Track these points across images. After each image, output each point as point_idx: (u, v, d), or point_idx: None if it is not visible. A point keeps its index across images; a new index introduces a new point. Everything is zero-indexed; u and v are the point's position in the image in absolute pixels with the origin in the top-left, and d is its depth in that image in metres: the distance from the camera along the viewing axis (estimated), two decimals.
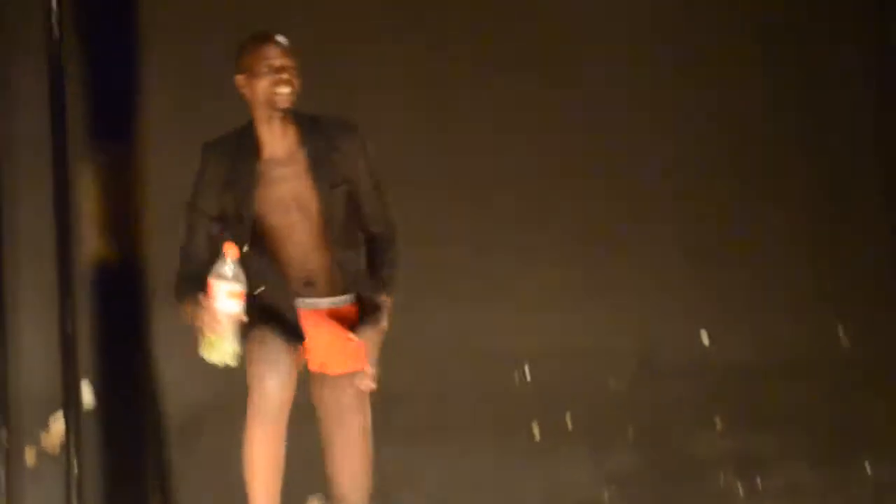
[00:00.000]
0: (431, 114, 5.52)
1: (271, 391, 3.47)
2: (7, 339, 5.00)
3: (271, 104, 3.61)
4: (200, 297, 3.42)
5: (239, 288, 3.38)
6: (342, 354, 3.66)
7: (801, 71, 6.06)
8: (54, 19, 4.99)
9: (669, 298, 5.75)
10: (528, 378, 5.54)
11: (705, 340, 5.78)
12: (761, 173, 5.96)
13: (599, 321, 5.64)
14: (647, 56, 5.85)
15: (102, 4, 5.20)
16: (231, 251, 3.38)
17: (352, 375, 3.67)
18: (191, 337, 3.57)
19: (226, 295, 3.36)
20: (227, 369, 3.57)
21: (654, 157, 5.81)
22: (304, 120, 3.71)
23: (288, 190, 3.66)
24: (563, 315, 5.58)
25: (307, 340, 3.63)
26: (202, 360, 3.49)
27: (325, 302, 3.72)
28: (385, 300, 3.76)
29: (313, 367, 3.70)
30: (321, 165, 3.66)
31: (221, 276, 3.37)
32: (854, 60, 6.13)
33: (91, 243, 5.14)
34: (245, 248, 3.55)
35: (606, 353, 5.64)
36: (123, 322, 5.16)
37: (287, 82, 3.61)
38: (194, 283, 3.56)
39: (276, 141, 3.68)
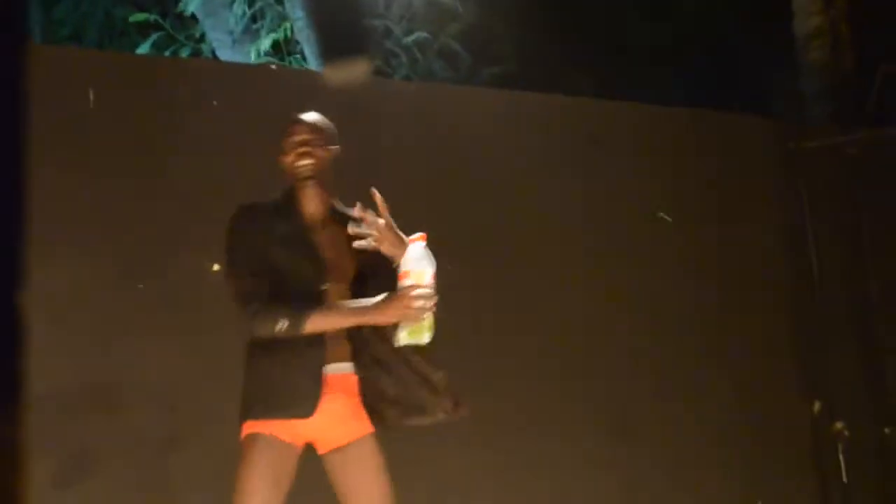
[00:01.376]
0: None
1: None
2: None
3: (295, 175, 3.86)
4: (406, 289, 3.51)
5: (434, 268, 3.54)
6: (354, 420, 3.75)
7: (721, 257, 6.24)
8: None
9: (591, 479, 5.73)
10: None
11: None
12: (684, 361, 6.05)
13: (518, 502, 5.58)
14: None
15: None
16: (419, 236, 3.56)
17: (363, 439, 3.75)
18: None
19: (432, 277, 3.53)
20: None
21: (581, 337, 5.85)
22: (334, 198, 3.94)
23: (334, 250, 3.80)
24: (482, 495, 5.51)
25: (317, 417, 3.65)
26: None
27: (346, 367, 3.76)
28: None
29: (323, 449, 3.77)
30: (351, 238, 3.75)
31: (425, 263, 3.53)
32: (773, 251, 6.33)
33: None
34: (325, 286, 3.69)
35: None
36: None
37: (306, 154, 3.85)
38: (284, 303, 3.63)
39: (313, 205, 3.88)
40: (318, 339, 3.67)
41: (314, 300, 3.67)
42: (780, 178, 6.53)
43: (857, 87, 7.28)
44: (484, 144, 5.89)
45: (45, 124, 4.93)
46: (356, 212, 3.67)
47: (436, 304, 3.53)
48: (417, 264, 3.52)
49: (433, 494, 5.39)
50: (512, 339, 5.71)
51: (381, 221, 3.66)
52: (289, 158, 3.87)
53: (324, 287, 3.72)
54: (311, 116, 3.99)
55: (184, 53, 8.45)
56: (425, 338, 3.57)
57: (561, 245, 5.96)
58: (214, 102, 5.33)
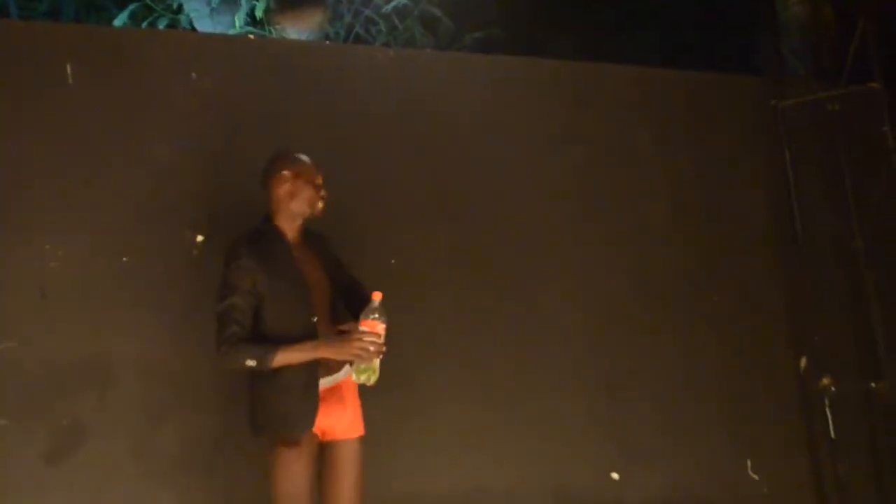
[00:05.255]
0: None
1: None
2: None
3: (310, 213, 4.52)
4: (361, 333, 4.19)
5: (386, 324, 4.23)
6: (353, 419, 4.47)
7: (706, 217, 6.24)
8: None
9: (584, 437, 5.74)
10: None
11: (616, 477, 5.77)
12: (671, 319, 6.06)
13: (515, 461, 5.59)
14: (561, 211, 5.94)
15: None
16: (377, 295, 4.21)
17: (353, 441, 4.45)
18: None
19: (383, 330, 4.21)
20: None
21: (571, 300, 5.85)
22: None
23: (308, 271, 4.44)
24: (479, 455, 5.52)
25: (325, 417, 4.34)
26: None
27: (342, 374, 4.44)
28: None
29: (324, 438, 4.41)
30: (321, 253, 4.59)
31: (379, 316, 4.21)
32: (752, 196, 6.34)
33: None
34: (315, 319, 4.33)
35: (521, 493, 5.57)
36: None
37: (325, 199, 4.54)
38: (255, 343, 4.24)
39: (292, 233, 4.51)
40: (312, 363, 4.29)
41: (307, 325, 4.30)
42: (762, 135, 6.53)
43: (837, 42, 7.27)
44: (466, 110, 5.88)
45: (24, 100, 4.91)
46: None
47: (383, 354, 4.23)
48: (374, 317, 4.19)
49: (434, 452, 5.43)
50: (502, 304, 5.71)
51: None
52: (306, 194, 4.48)
53: (313, 314, 4.34)
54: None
55: (161, 25, 8.40)
56: (372, 380, 4.28)
57: (547, 209, 5.95)
58: (193, 74, 5.31)
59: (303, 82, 5.55)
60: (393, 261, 5.52)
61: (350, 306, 4.63)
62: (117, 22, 8.21)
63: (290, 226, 4.50)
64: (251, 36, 6.45)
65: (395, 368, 5.34)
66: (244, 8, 7.98)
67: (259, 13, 7.94)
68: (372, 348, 4.18)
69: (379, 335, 4.21)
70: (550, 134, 6.05)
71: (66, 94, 5.04)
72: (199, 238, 5.08)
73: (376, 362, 4.26)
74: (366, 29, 8.28)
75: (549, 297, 5.85)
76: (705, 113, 6.46)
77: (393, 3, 8.38)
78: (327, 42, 7.02)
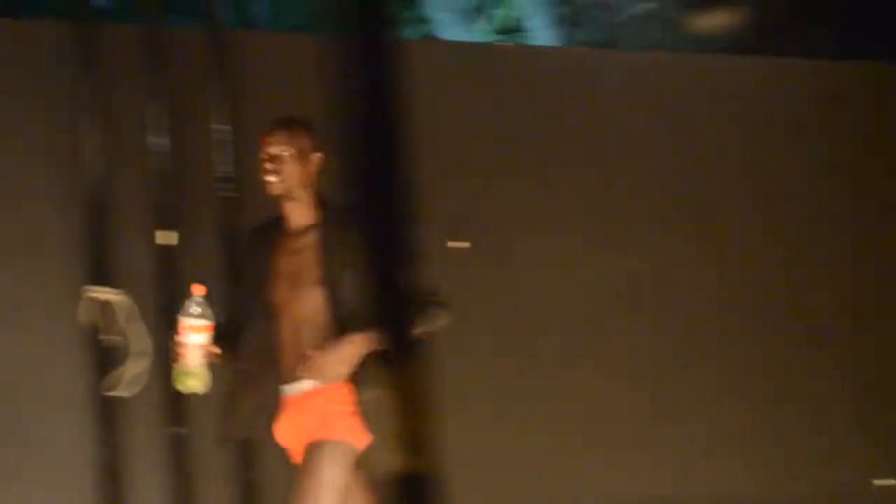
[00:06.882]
0: None
1: None
2: None
3: (266, 190, 3.71)
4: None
5: (204, 323, 3.53)
6: (324, 427, 3.61)
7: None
8: None
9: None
10: None
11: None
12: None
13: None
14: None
15: None
16: (198, 289, 3.53)
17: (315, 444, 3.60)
18: None
19: (191, 330, 3.52)
20: None
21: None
22: (333, 205, 3.72)
23: (298, 262, 3.71)
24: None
25: (284, 434, 3.69)
26: None
27: (308, 384, 3.63)
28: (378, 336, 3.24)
29: (296, 459, 3.68)
30: (332, 244, 3.66)
31: (188, 314, 3.53)
32: None
33: None
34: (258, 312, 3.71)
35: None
36: None
37: (272, 172, 3.68)
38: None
39: (296, 217, 3.75)
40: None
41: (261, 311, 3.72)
42: None
43: None
44: (714, 112, 5.85)
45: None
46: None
47: (177, 355, 3.54)
48: (181, 314, 3.54)
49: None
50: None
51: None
52: (261, 172, 3.71)
53: (268, 299, 3.71)
54: (288, 124, 3.77)
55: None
56: (181, 388, 3.59)
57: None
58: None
59: (546, 85, 5.61)
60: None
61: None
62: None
63: (286, 205, 3.77)
64: (504, 44, 6.55)
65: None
66: (491, 17, 8.10)
67: (500, 22, 8.04)
68: (174, 351, 3.58)
69: (179, 335, 3.56)
70: (800, 135, 6.00)
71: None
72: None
73: (181, 369, 3.57)
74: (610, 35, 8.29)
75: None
76: None
77: (639, 7, 8.38)
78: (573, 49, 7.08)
